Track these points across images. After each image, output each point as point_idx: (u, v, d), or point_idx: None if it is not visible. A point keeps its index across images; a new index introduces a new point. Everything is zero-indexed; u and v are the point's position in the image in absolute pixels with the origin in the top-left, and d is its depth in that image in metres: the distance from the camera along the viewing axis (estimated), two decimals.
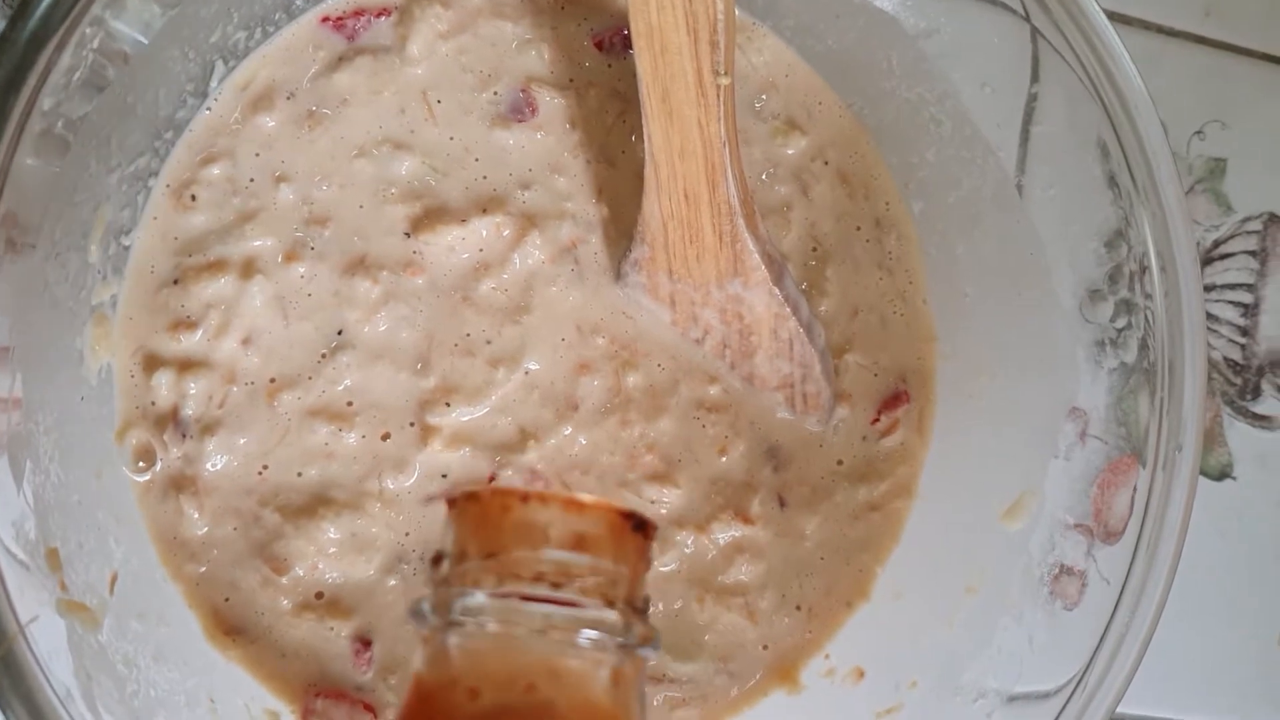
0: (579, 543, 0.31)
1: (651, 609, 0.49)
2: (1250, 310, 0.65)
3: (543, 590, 0.30)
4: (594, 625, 0.30)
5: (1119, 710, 0.61)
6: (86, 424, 0.46)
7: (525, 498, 0.32)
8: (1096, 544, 0.47)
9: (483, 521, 0.31)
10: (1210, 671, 0.63)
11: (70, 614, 0.41)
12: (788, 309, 0.48)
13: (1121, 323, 0.48)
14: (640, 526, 0.32)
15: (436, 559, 0.32)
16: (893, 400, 0.52)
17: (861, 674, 0.50)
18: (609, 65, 0.51)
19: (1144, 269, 0.46)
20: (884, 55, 0.49)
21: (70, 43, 0.40)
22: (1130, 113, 0.44)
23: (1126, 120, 0.45)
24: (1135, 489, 0.46)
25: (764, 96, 0.52)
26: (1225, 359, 0.65)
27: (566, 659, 0.29)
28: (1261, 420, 0.65)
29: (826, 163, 0.52)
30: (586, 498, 0.32)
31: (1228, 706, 0.63)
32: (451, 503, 0.32)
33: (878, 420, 0.52)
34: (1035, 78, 0.48)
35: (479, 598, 0.30)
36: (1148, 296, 0.46)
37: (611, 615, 0.30)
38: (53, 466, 0.43)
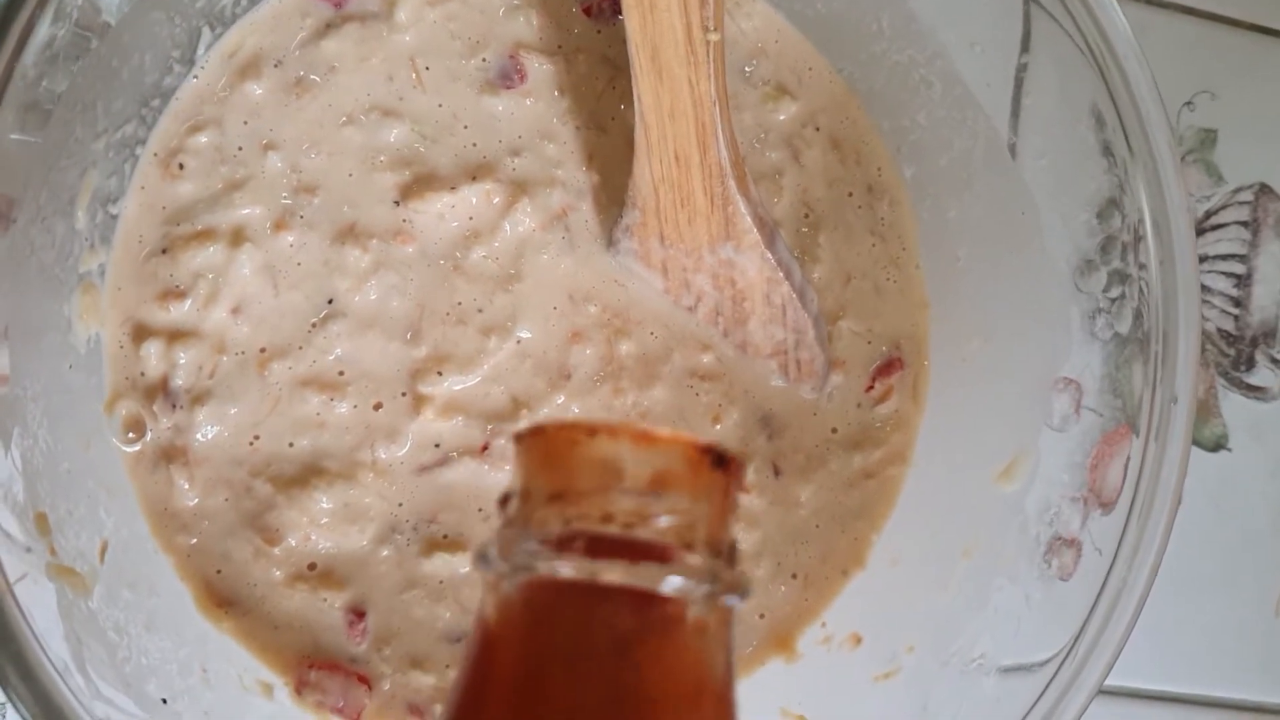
0: (654, 480, 0.28)
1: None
2: (1243, 281, 0.65)
3: (614, 531, 0.27)
4: (674, 571, 0.26)
5: (1116, 683, 0.61)
6: (75, 393, 0.46)
7: (593, 431, 0.28)
8: (1093, 514, 0.47)
9: (549, 458, 0.29)
10: (1206, 643, 0.63)
11: (60, 578, 0.41)
12: (780, 273, 0.48)
13: (1115, 293, 0.48)
14: (721, 462, 0.29)
15: (504, 499, 0.30)
16: (887, 367, 0.52)
17: (858, 640, 0.50)
18: (598, 31, 0.51)
19: (1139, 238, 0.46)
20: (874, 17, 0.49)
21: (49, 8, 0.40)
22: (1126, 77, 0.44)
23: (1123, 85, 0.44)
24: (1129, 459, 0.46)
25: (754, 62, 0.52)
26: (1219, 330, 0.65)
27: (645, 608, 0.26)
28: (1255, 391, 0.65)
29: (818, 128, 0.52)
30: (662, 431, 0.29)
31: (1224, 678, 0.63)
32: (518, 438, 0.30)
33: (872, 387, 0.52)
34: (1026, 46, 0.48)
35: (543, 542, 0.27)
36: (1142, 266, 0.46)
37: (694, 559, 0.27)
38: (41, 433, 0.43)
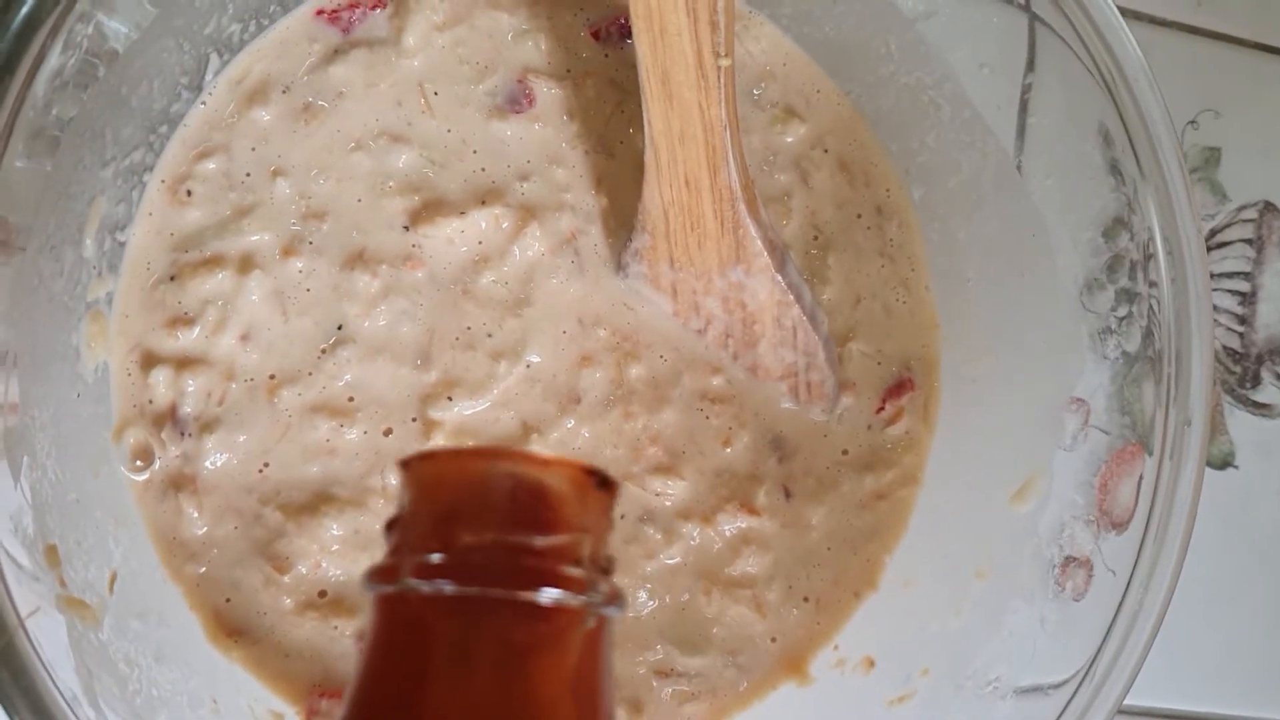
0: (540, 501, 0.29)
1: (657, 601, 0.49)
2: (1248, 299, 0.65)
3: (501, 548, 0.29)
4: (557, 583, 0.28)
5: (1126, 702, 0.61)
6: (83, 422, 0.45)
7: (480, 455, 0.30)
8: (1103, 534, 0.47)
9: (437, 482, 0.30)
10: (1216, 661, 0.63)
11: (70, 610, 0.40)
12: (790, 296, 0.48)
13: (1123, 312, 0.48)
14: (604, 484, 0.31)
15: (391, 524, 0.31)
16: (897, 388, 0.52)
17: (871, 664, 0.49)
18: (606, 55, 0.51)
19: (1148, 256, 0.46)
20: (881, 40, 0.49)
21: (59, 38, 0.40)
22: (1135, 96, 0.44)
23: (1132, 104, 0.44)
24: (1141, 478, 0.45)
25: (762, 85, 0.52)
26: (1224, 348, 0.65)
27: (530, 621, 0.28)
28: (1262, 408, 0.65)
29: (826, 150, 0.52)
30: (545, 454, 0.31)
31: (1234, 696, 0.63)
32: (405, 465, 0.31)
33: (882, 408, 0.52)
34: (1031, 66, 0.48)
35: (433, 560, 0.28)
36: (1152, 284, 0.46)
37: (576, 572, 0.29)
38: (50, 463, 0.42)
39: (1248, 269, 0.65)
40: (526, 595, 0.28)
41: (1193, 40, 0.65)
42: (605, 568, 0.30)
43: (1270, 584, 0.64)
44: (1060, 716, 0.43)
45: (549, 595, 0.28)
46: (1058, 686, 0.44)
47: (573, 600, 0.28)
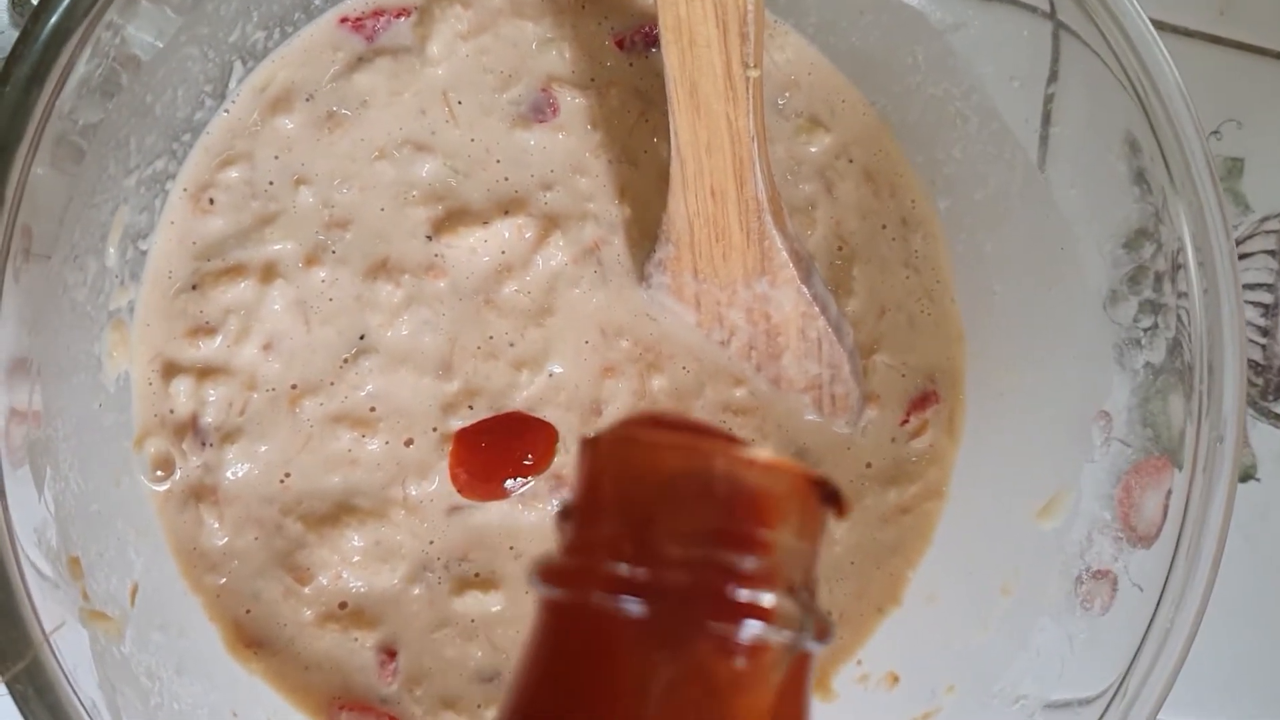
0: (759, 513, 0.24)
1: None
2: (1271, 310, 0.65)
3: (711, 573, 0.24)
4: (769, 618, 0.24)
5: None
6: (105, 431, 0.45)
7: (693, 448, 0.24)
8: (1125, 548, 0.46)
9: (636, 473, 0.25)
10: (1237, 675, 0.62)
11: (93, 624, 0.40)
12: (816, 308, 0.48)
13: (1146, 323, 0.47)
14: (831, 498, 0.25)
15: (566, 512, 0.26)
16: (922, 401, 0.51)
17: (895, 679, 0.49)
18: (630, 64, 0.50)
19: (1177, 267, 0.45)
20: (909, 51, 0.49)
21: (86, 48, 0.39)
22: (1166, 104, 0.44)
23: (1162, 113, 0.44)
24: (1170, 493, 0.45)
25: (787, 94, 0.51)
26: (1246, 359, 0.64)
27: (732, 656, 0.24)
28: None
29: (851, 161, 0.51)
30: (765, 454, 0.25)
31: (1255, 710, 0.62)
32: (594, 444, 0.25)
33: (907, 421, 0.51)
34: (1054, 76, 0.48)
35: (628, 573, 0.24)
36: (1181, 295, 0.45)
37: (788, 604, 0.24)
38: (72, 474, 0.42)
39: (1270, 280, 0.65)
40: (733, 628, 0.24)
41: (1215, 50, 0.64)
42: (813, 594, 0.26)
43: None
44: None
45: (758, 631, 0.24)
46: (1087, 704, 0.44)
47: (782, 636, 0.24)
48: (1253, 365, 0.64)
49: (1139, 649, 0.43)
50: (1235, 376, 0.44)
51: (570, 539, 0.26)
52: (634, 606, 0.24)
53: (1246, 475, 0.64)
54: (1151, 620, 0.43)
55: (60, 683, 0.37)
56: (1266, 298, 0.65)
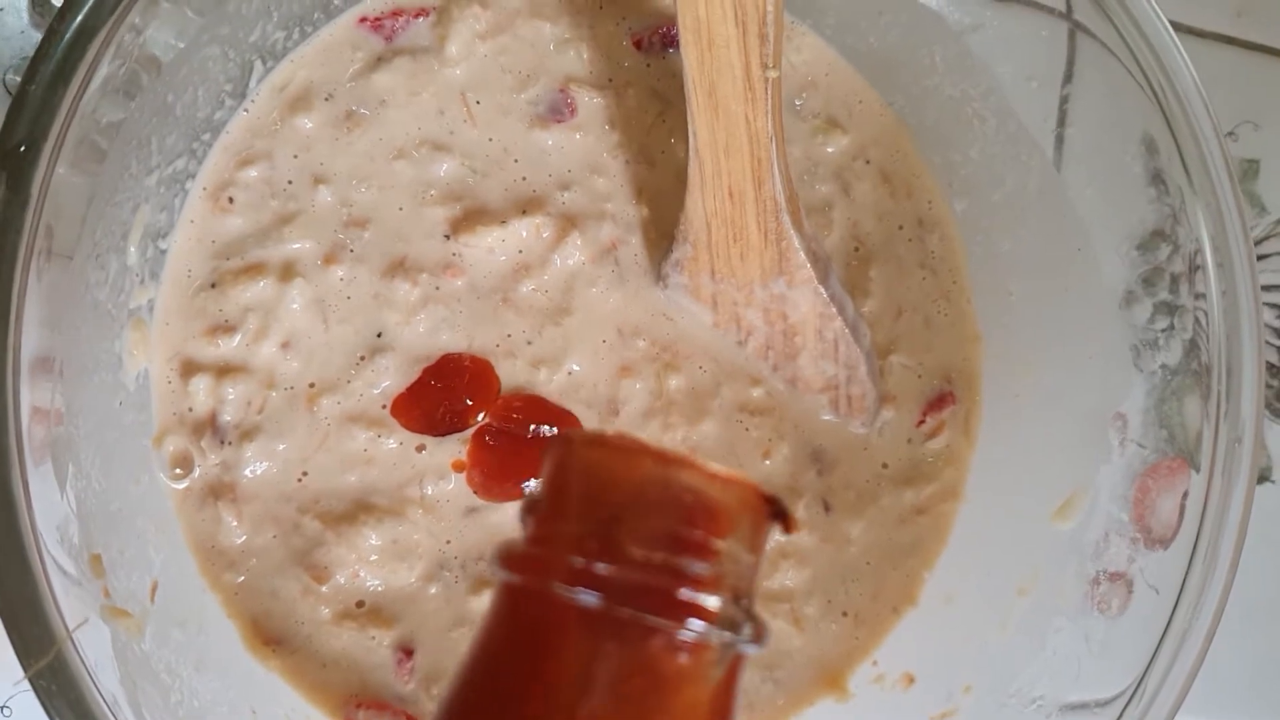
0: (714, 522, 0.26)
1: None
2: None
3: (666, 575, 0.26)
4: (713, 619, 0.26)
5: None
6: (125, 430, 0.45)
7: (660, 458, 0.26)
8: (1141, 550, 0.46)
9: (605, 475, 0.27)
10: (1254, 676, 0.62)
11: (114, 620, 0.40)
12: (833, 308, 0.48)
13: (1162, 324, 0.47)
14: (779, 514, 0.28)
15: (531, 507, 0.28)
16: (938, 401, 0.51)
17: (911, 679, 0.49)
18: (648, 65, 0.50)
19: (1195, 268, 0.45)
20: (927, 52, 0.49)
21: (109, 48, 0.40)
22: (1184, 105, 0.44)
23: (1181, 114, 0.44)
24: (1187, 494, 0.45)
25: (804, 95, 0.51)
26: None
27: (676, 653, 0.26)
28: None
29: (868, 162, 0.51)
30: (723, 469, 0.27)
31: (1272, 711, 0.62)
32: (566, 443, 0.27)
33: (923, 422, 0.51)
34: (1069, 77, 0.48)
35: (589, 567, 0.25)
36: (1198, 296, 0.45)
37: (732, 609, 0.26)
38: (94, 471, 0.42)
39: None
40: (681, 626, 0.26)
41: (1231, 51, 0.64)
42: (752, 601, 0.28)
43: None
44: None
45: (703, 630, 0.26)
46: (1104, 705, 0.44)
47: (724, 637, 0.26)
48: (1269, 367, 0.64)
49: (1157, 650, 0.43)
50: (1254, 378, 0.43)
51: (535, 530, 0.27)
52: (590, 599, 0.25)
53: (1262, 477, 0.64)
54: (1169, 622, 0.43)
55: (83, 679, 0.37)
56: None
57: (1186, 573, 0.43)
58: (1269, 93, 0.64)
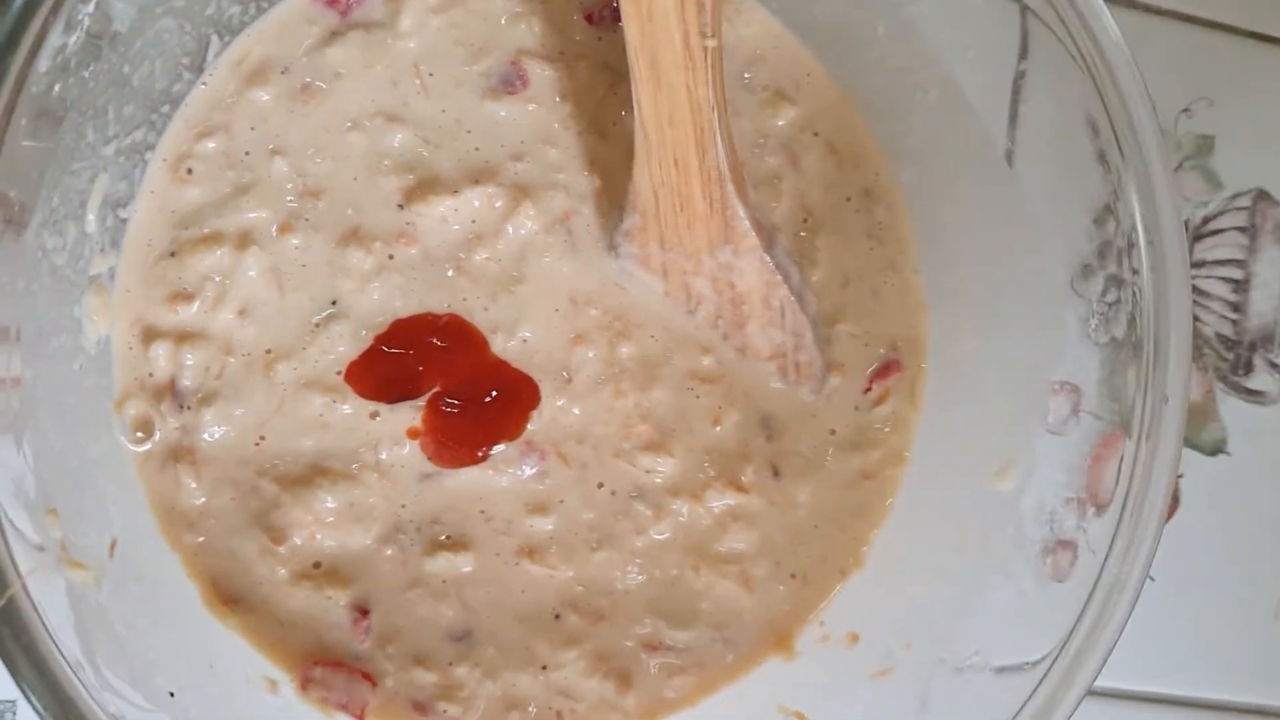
0: None
1: (646, 576, 0.50)
2: (1241, 286, 0.66)
3: None
4: None
5: (1117, 686, 0.62)
6: (85, 393, 0.47)
7: None
8: (1087, 517, 0.47)
9: None
10: (1205, 646, 0.63)
11: (70, 570, 0.41)
12: (779, 276, 0.49)
13: (1111, 298, 0.48)
14: None
15: None
16: (884, 369, 0.52)
17: (855, 638, 0.50)
18: (599, 38, 0.51)
19: (1131, 244, 0.46)
20: (871, 24, 0.50)
21: (60, 16, 0.41)
22: (1119, 85, 0.44)
23: (1115, 93, 0.45)
24: (1121, 460, 0.46)
25: (752, 68, 0.52)
26: (1217, 334, 0.65)
27: None
28: (1254, 395, 0.65)
29: (816, 134, 0.52)
30: None
31: (1222, 681, 0.63)
32: None
33: (870, 389, 0.52)
34: (1024, 54, 0.49)
35: None
36: (1134, 271, 0.46)
37: None
38: (52, 432, 0.44)
39: (1241, 256, 0.66)
40: None
41: (1187, 28, 0.65)
42: None
43: (1260, 569, 0.64)
44: (1035, 690, 0.44)
45: None
46: (1035, 664, 0.45)
47: None
48: (1224, 340, 0.65)
49: (1084, 609, 0.44)
50: (1180, 343, 0.44)
51: None
52: None
53: (1217, 449, 0.65)
54: (1094, 584, 0.44)
55: (37, 626, 0.38)
56: (1237, 273, 0.66)
57: (1114, 534, 0.44)
58: (1225, 69, 0.65)
